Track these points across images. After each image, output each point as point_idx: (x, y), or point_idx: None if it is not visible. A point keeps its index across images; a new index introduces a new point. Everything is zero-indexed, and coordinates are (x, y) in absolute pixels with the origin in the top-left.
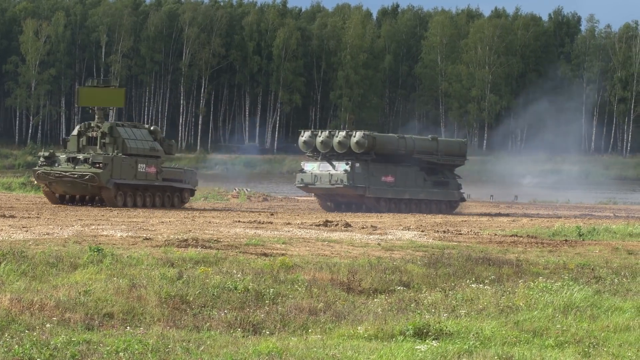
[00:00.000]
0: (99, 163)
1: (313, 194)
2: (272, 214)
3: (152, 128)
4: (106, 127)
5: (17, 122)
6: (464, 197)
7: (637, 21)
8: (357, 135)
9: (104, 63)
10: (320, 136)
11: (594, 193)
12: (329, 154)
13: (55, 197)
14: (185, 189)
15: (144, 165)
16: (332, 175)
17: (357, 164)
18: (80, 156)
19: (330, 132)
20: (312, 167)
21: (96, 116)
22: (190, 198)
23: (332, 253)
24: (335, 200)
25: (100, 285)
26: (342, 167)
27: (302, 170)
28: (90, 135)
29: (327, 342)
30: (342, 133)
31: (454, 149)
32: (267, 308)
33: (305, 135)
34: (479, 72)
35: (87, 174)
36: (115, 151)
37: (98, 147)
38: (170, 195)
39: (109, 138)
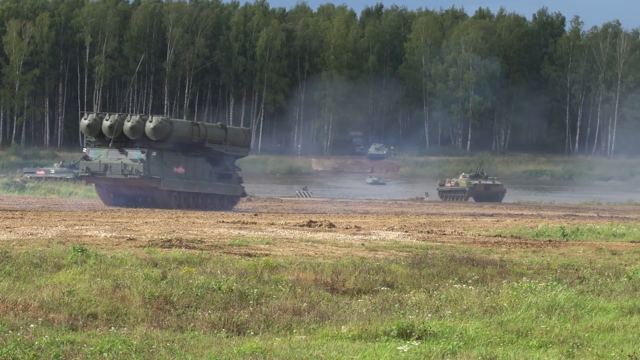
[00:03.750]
0: None
1: (94, 185)
2: (255, 215)
3: None
4: None
5: (1, 122)
6: (245, 192)
7: (618, 20)
8: (155, 120)
9: (87, 63)
10: (108, 119)
11: None
12: (119, 140)
13: None
14: None
15: None
16: (125, 164)
17: (153, 153)
18: None
19: (120, 115)
20: (98, 154)
21: None
22: None
23: (316, 253)
24: (120, 192)
25: (84, 286)
26: (136, 155)
27: (86, 158)
28: None
29: (311, 343)
30: (136, 117)
31: (240, 138)
32: (251, 308)
33: (89, 118)
34: (462, 73)
35: None
36: None
37: None
38: None
39: None
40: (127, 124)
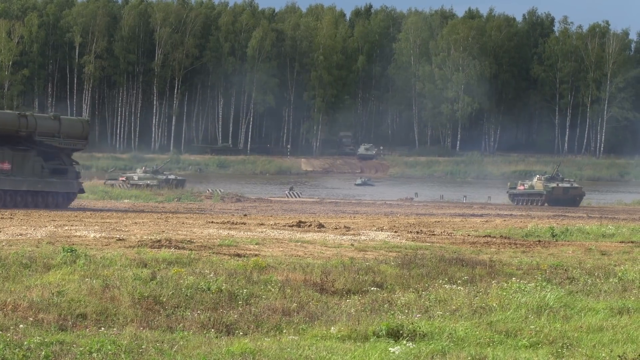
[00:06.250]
0: None
1: None
2: (245, 215)
3: None
4: None
5: None
6: (82, 188)
7: (607, 21)
8: None
9: (77, 64)
10: None
11: None
12: None
13: None
14: None
15: None
16: None
17: None
18: None
19: None
20: None
21: None
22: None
23: (305, 254)
24: None
25: (74, 286)
26: None
27: None
28: None
29: (301, 343)
30: None
31: (77, 130)
32: (241, 309)
33: None
34: (452, 73)
35: None
36: None
37: None
38: None
39: None
40: None
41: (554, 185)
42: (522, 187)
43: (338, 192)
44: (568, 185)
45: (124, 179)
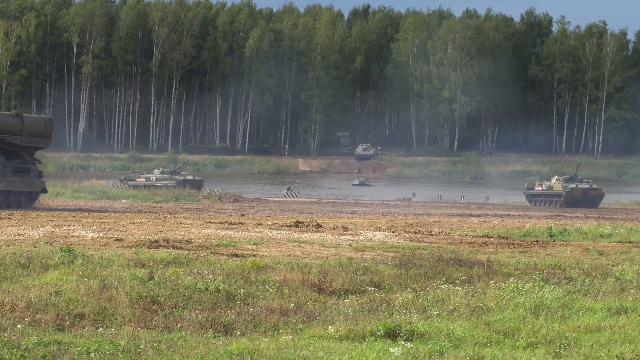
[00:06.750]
0: None
1: None
2: (242, 215)
3: None
4: None
5: None
6: (45, 187)
7: (604, 21)
8: None
9: (75, 64)
10: None
11: None
12: None
13: None
14: None
15: None
16: None
17: None
18: None
19: None
20: None
21: None
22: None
23: (303, 254)
24: None
25: (72, 286)
26: None
27: None
28: None
29: (298, 343)
30: None
31: (40, 128)
32: (238, 309)
33: None
34: (449, 73)
35: None
36: None
37: None
38: None
39: None
40: None
41: (574, 186)
42: (540, 188)
43: (336, 192)
44: (587, 186)
45: (142, 179)
